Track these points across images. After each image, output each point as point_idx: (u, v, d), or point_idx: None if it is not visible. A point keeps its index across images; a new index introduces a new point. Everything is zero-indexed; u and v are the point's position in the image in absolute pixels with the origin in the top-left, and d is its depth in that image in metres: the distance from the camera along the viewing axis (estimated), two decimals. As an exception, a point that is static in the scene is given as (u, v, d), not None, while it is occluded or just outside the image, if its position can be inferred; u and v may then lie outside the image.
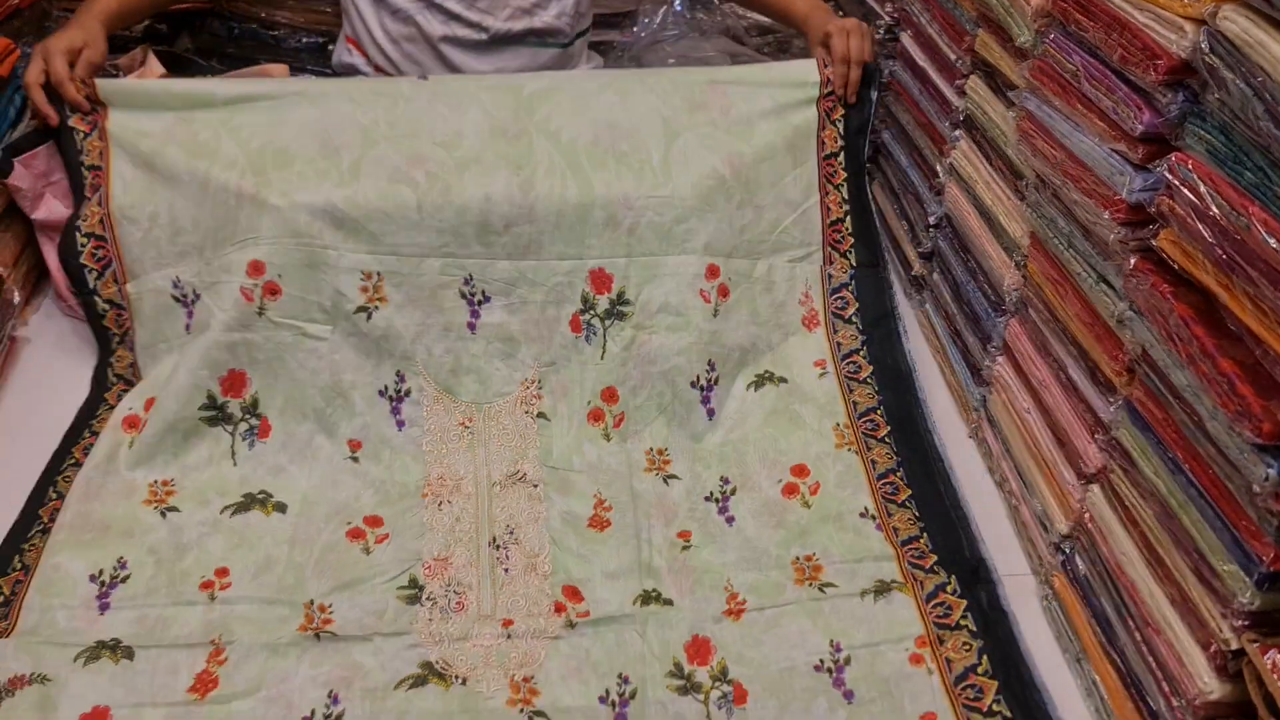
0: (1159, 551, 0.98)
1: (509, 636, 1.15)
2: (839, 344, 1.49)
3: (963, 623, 1.16)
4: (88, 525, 1.22)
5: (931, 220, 1.57)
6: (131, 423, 1.33)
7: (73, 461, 1.31)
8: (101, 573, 1.17)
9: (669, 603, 1.20)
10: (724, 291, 1.44)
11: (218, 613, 1.16)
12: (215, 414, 1.32)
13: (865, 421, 1.40)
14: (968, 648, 1.14)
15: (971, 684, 1.11)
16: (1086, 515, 1.11)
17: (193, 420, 1.31)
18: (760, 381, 1.43)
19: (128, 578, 1.18)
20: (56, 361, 1.50)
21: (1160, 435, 0.97)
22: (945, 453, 1.38)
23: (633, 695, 1.10)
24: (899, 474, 1.35)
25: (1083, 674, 1.11)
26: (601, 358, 1.39)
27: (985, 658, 1.13)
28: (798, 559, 1.25)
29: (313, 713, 1.07)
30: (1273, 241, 0.77)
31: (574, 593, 1.21)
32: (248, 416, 1.32)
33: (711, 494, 1.33)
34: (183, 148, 1.41)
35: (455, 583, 1.20)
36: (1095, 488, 1.10)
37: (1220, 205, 0.83)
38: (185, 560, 1.20)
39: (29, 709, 1.03)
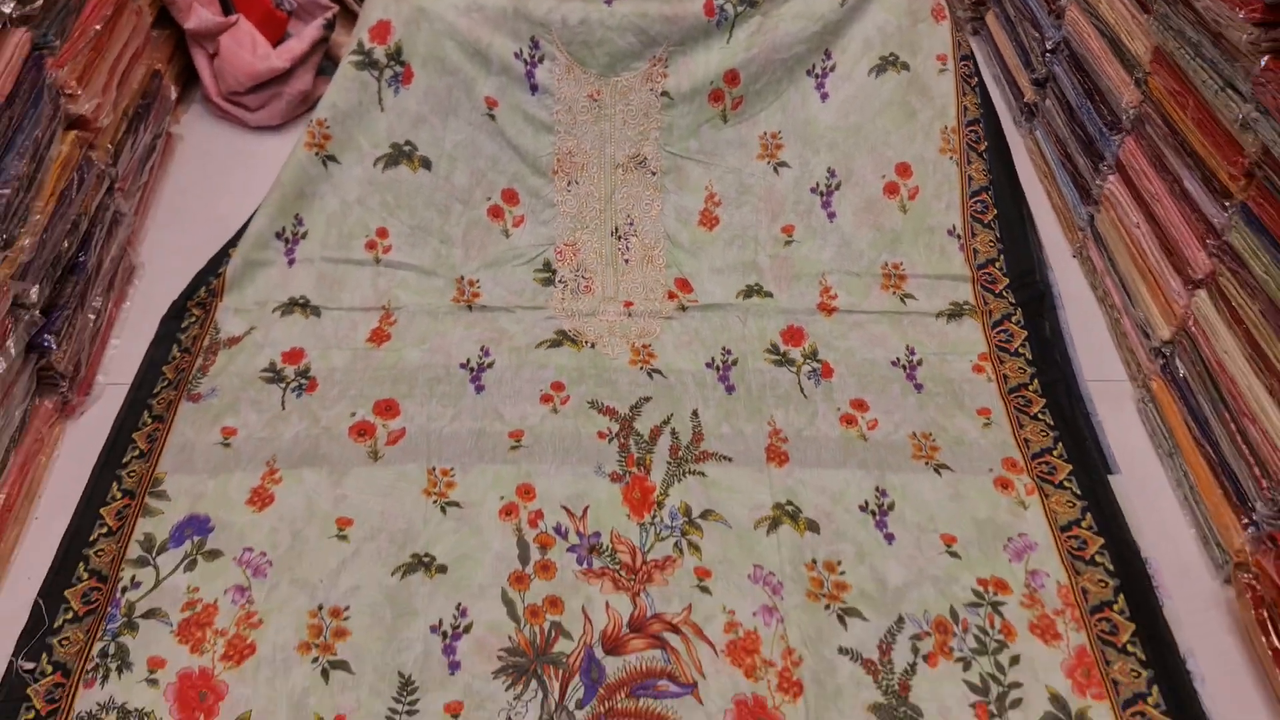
0: (1261, 346, 1.03)
1: (629, 315, 1.35)
2: (959, 42, 1.49)
3: (1021, 351, 1.33)
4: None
5: (1049, 45, 1.58)
6: None
7: None
8: (284, 230, 1.34)
9: (769, 295, 1.38)
10: None
11: (384, 278, 1.35)
12: (362, 59, 1.37)
13: (970, 131, 1.45)
14: (1022, 371, 1.30)
15: (1024, 395, 1.27)
16: (1190, 320, 1.16)
17: (342, 64, 1.38)
18: (884, 65, 1.44)
19: (306, 234, 1.35)
20: (209, 160, 1.62)
21: (1274, 233, 1.01)
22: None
23: (734, 363, 1.32)
24: (989, 192, 1.44)
25: (1174, 466, 1.19)
26: (728, 42, 1.43)
27: (1037, 380, 1.29)
28: (886, 265, 1.40)
29: (468, 360, 1.29)
30: None
31: (685, 284, 1.39)
32: (392, 63, 1.38)
33: (817, 185, 1.42)
34: None
35: (583, 268, 1.38)
36: (1201, 293, 1.15)
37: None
38: (349, 219, 1.36)
39: (246, 352, 1.27)
